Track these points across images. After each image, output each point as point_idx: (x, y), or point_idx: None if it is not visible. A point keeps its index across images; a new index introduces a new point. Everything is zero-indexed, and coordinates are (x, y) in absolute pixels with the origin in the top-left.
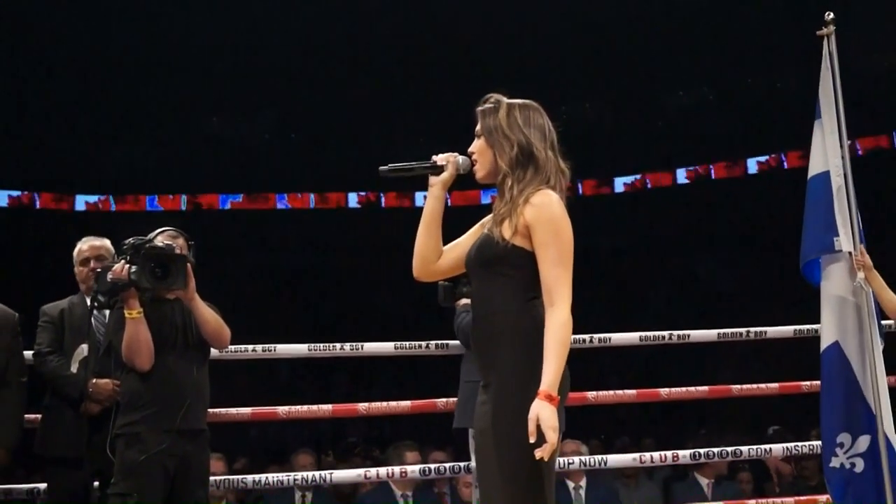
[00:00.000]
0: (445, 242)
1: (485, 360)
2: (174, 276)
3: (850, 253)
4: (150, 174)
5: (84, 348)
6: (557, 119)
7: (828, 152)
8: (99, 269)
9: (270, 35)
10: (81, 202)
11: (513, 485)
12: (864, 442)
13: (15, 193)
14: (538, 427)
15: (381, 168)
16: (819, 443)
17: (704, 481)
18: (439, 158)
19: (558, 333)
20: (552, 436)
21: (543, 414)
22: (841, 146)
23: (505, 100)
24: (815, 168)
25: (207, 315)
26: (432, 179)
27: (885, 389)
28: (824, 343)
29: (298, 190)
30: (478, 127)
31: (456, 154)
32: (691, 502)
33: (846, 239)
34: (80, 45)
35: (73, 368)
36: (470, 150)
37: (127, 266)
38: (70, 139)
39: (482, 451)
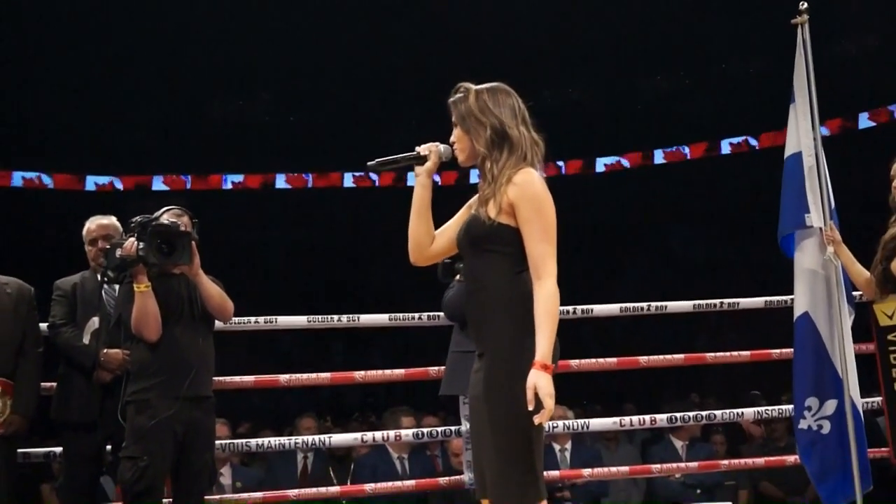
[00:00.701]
0: (438, 224)
1: (478, 331)
2: (180, 252)
3: (820, 229)
4: (156, 155)
5: (95, 321)
6: (542, 103)
7: (801, 134)
8: (108, 247)
9: (270, 23)
10: (91, 182)
11: (505, 447)
12: (830, 406)
13: (29, 175)
14: (536, 395)
15: (369, 164)
16: (788, 407)
17: (679, 443)
18: (422, 149)
19: (547, 305)
20: (549, 402)
21: (540, 382)
22: (813, 129)
23: (473, 87)
24: (790, 149)
25: (211, 289)
26: (417, 169)
27: (851, 357)
28: (796, 313)
29: (296, 170)
30: (453, 117)
31: (438, 143)
32: (667, 462)
33: (817, 215)
34: (89, 33)
35: (86, 340)
36: (451, 139)
37: (135, 243)
38: (81, 122)
39: (476, 415)
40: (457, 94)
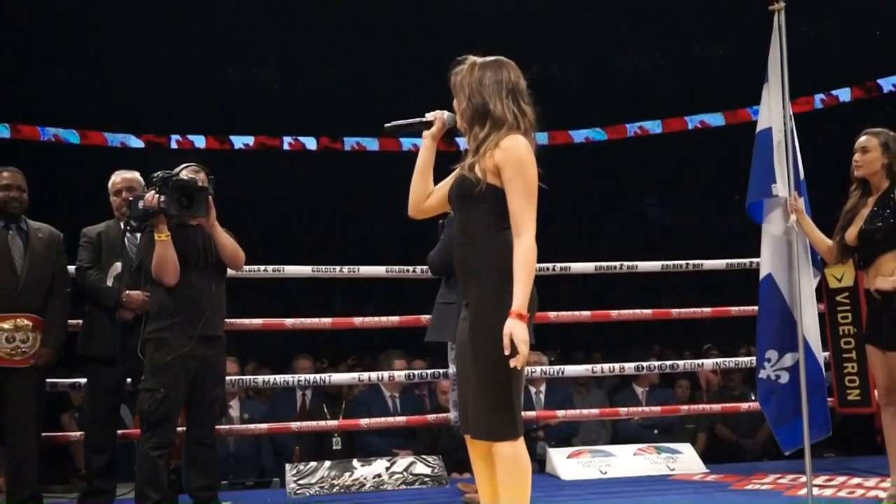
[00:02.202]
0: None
1: (465, 282)
2: (197, 205)
3: (785, 199)
4: (174, 116)
5: (118, 265)
6: (529, 77)
7: (772, 111)
8: (131, 198)
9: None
10: (115, 139)
11: (487, 388)
12: (789, 359)
13: (58, 131)
14: (512, 341)
15: (386, 126)
16: (744, 359)
17: (639, 390)
18: (430, 115)
19: (524, 259)
20: (524, 348)
21: (516, 330)
22: (783, 107)
23: (472, 60)
24: (762, 124)
25: (225, 240)
26: (424, 133)
27: (814, 314)
28: (762, 274)
29: (302, 134)
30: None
31: (443, 111)
32: (629, 406)
33: (783, 186)
34: (120, 10)
35: (109, 282)
36: (454, 106)
37: (157, 196)
38: (105, 85)
39: (462, 360)
40: (458, 66)
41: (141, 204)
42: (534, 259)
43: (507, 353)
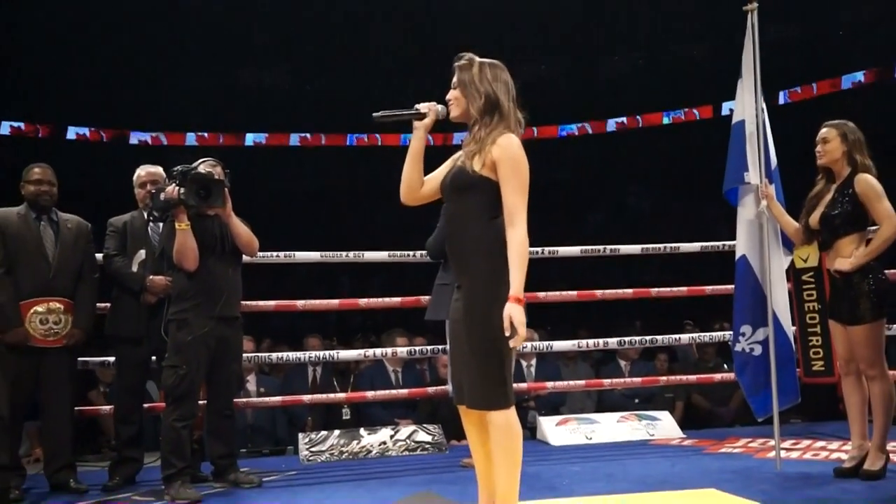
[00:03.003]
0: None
1: (458, 266)
2: (215, 196)
3: (757, 186)
4: (191, 115)
5: (142, 253)
6: (518, 76)
7: (745, 105)
8: (153, 191)
9: (293, 5)
10: (135, 137)
11: (481, 362)
12: (762, 333)
13: (82, 130)
14: (511, 323)
15: (375, 114)
16: (718, 333)
17: (623, 363)
18: (422, 107)
19: (519, 248)
20: (522, 330)
21: (514, 313)
22: (756, 101)
23: (477, 59)
24: (736, 117)
25: (241, 229)
26: (416, 124)
27: (784, 293)
28: (737, 255)
29: (309, 131)
30: (454, 79)
31: (435, 103)
32: (613, 378)
33: (754, 173)
34: (142, 15)
35: (134, 268)
36: (447, 97)
37: (177, 188)
38: (127, 86)
39: (456, 337)
40: (461, 60)
41: (162, 196)
42: (527, 248)
43: (507, 334)
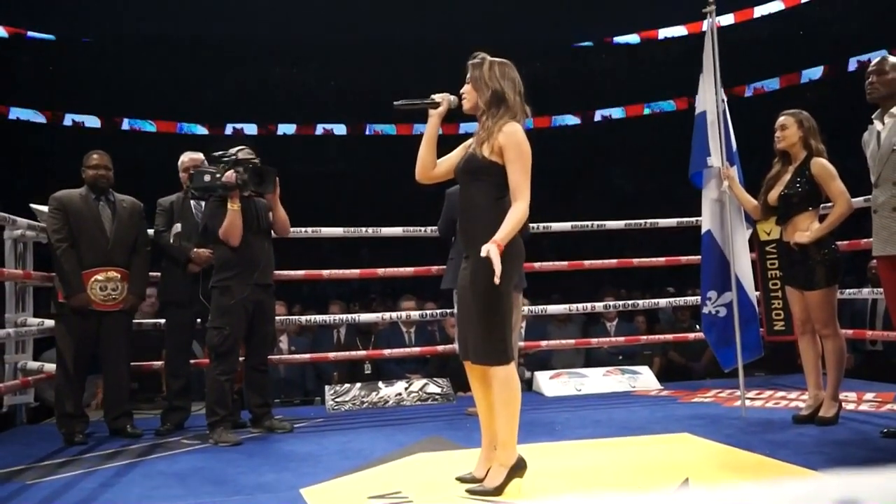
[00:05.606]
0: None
1: (467, 239)
2: (267, 183)
3: (719, 168)
4: (231, 109)
5: (178, 226)
6: (519, 73)
7: (706, 98)
8: (192, 171)
9: (320, 10)
10: (182, 127)
11: (485, 321)
12: (727, 297)
13: (135, 122)
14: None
15: (395, 103)
16: (692, 298)
17: (608, 324)
18: (437, 97)
19: (517, 214)
20: (496, 261)
21: (490, 249)
22: (716, 93)
23: (489, 58)
24: (699, 108)
25: (282, 213)
26: (431, 112)
27: (746, 261)
28: (703, 230)
29: (334, 122)
30: (468, 75)
31: (448, 94)
32: (599, 337)
33: (716, 158)
34: (189, 23)
35: (171, 239)
36: (462, 90)
37: (235, 174)
38: (177, 85)
39: (463, 301)
40: (475, 59)
41: (207, 178)
42: (524, 217)
43: (482, 254)
